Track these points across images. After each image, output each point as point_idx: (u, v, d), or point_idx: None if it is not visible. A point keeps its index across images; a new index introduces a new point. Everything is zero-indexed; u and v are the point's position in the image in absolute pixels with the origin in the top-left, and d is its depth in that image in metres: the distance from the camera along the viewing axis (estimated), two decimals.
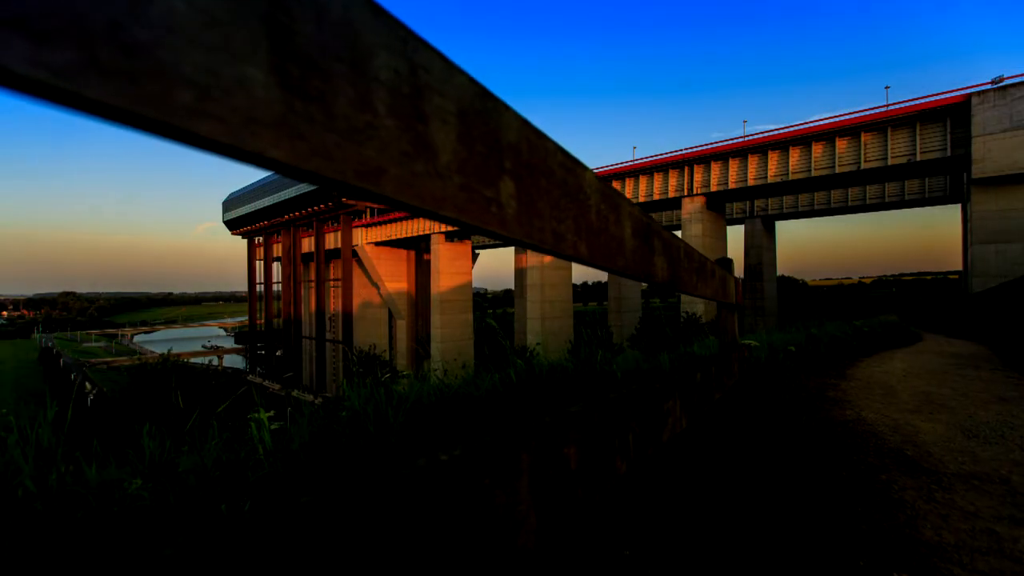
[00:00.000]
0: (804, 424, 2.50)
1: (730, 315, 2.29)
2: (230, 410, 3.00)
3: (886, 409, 3.70)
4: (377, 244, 53.85)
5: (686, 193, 31.74)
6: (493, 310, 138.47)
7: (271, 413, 2.67)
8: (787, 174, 28.06)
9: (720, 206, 32.44)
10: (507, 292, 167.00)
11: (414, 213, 0.42)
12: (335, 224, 55.48)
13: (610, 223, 0.78)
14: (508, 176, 0.51)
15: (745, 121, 30.11)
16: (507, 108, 0.51)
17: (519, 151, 0.53)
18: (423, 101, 0.40)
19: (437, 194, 0.42)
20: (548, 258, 38.71)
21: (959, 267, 38.08)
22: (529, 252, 38.98)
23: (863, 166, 25.90)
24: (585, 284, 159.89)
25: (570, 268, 40.09)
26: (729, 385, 1.93)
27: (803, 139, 27.39)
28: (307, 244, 59.19)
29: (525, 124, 0.54)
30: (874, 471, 2.17)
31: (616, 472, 0.78)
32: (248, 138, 0.28)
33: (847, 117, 25.91)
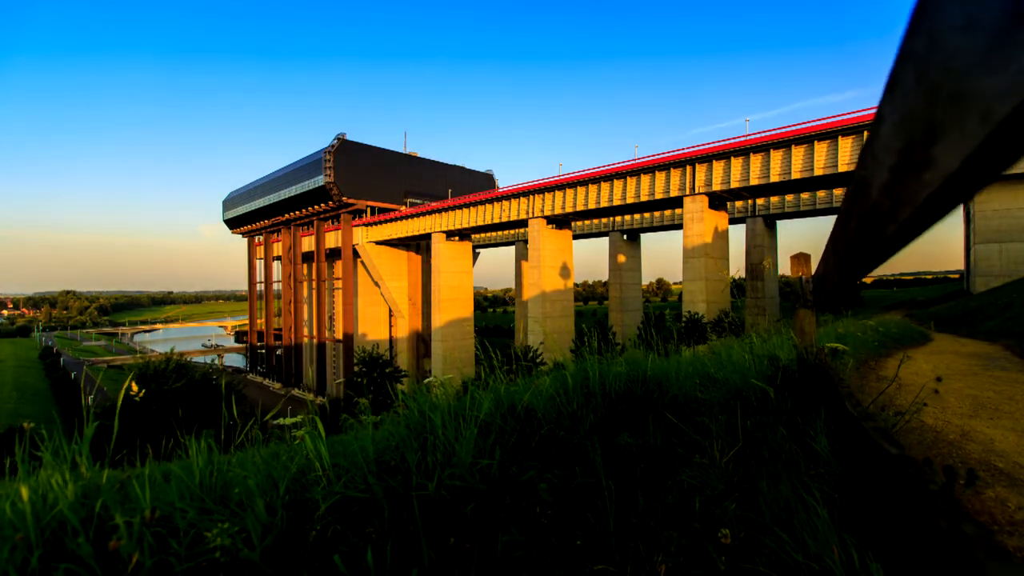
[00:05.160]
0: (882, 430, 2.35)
1: (809, 314, 2.13)
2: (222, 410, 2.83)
3: (943, 414, 3.56)
4: (377, 243, 53.53)
5: (688, 192, 31.55)
6: (493, 309, 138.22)
7: (299, 418, 2.50)
8: (790, 173, 27.90)
9: (722, 204, 32.29)
10: (507, 291, 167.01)
11: None
12: (335, 223, 55.18)
13: None
14: None
15: (748, 120, 29.99)
16: None
17: None
18: None
19: None
20: (548, 258, 38.54)
21: (959, 267, 38.03)
22: (530, 252, 38.76)
23: None
24: (585, 284, 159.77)
25: (571, 268, 39.91)
26: None
27: (806, 138, 27.25)
28: (307, 243, 58.89)
29: None
30: (976, 485, 2.02)
31: None
32: None
33: (849, 116, 25.82)
